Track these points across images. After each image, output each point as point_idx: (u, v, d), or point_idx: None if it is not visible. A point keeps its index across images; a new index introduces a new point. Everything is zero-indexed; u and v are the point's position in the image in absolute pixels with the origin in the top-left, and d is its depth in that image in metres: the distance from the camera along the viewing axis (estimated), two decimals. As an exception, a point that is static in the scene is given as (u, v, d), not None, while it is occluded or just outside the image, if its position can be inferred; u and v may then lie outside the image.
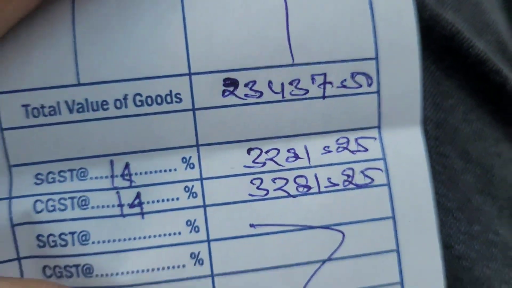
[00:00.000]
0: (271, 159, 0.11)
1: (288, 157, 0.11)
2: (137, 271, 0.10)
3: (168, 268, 0.10)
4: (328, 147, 0.11)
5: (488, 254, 0.14)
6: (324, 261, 0.11)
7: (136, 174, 0.10)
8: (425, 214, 0.11)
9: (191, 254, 0.10)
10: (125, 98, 0.10)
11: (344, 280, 0.11)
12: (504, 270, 0.14)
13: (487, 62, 0.15)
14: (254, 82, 0.11)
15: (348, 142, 0.11)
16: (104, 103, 0.10)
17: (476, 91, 0.15)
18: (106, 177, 0.10)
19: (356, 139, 0.11)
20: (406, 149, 0.11)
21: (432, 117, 0.14)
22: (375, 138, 0.11)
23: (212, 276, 0.10)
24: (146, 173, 0.10)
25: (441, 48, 0.14)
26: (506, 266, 0.14)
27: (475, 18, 0.16)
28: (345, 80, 0.11)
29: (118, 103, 0.10)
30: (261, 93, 0.10)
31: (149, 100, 0.10)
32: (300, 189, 0.11)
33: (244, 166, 0.11)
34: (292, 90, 0.11)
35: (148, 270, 0.10)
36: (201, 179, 0.11)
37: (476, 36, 0.16)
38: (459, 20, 0.15)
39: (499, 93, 0.15)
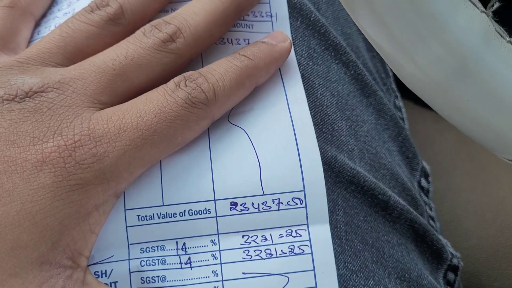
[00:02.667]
0: (253, 240, 0.22)
1: (261, 239, 0.22)
2: None
3: None
4: (282, 234, 0.22)
5: (379, 298, 0.24)
6: None
7: (188, 247, 0.20)
8: (330, 272, 0.21)
9: (213, 287, 0.21)
10: (184, 211, 0.21)
11: None
12: None
13: (376, 188, 0.26)
14: (245, 203, 0.21)
15: (291, 231, 0.22)
16: (174, 214, 0.21)
17: (372, 205, 0.26)
18: (174, 249, 0.21)
19: (296, 230, 0.22)
20: (321, 236, 0.22)
21: (343, 219, 0.24)
22: (305, 230, 0.22)
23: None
24: (194, 247, 0.21)
25: (348, 181, 0.25)
26: None
27: (374, 161, 0.27)
28: (289, 201, 0.22)
29: (180, 214, 0.21)
30: (248, 208, 0.22)
31: (195, 212, 0.21)
32: (268, 255, 0.21)
33: (240, 244, 0.21)
34: (264, 207, 0.22)
35: None
36: (219, 250, 0.21)
37: (373, 171, 0.27)
38: (362, 163, 0.26)
39: (386, 205, 0.26)
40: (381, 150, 0.28)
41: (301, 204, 0.21)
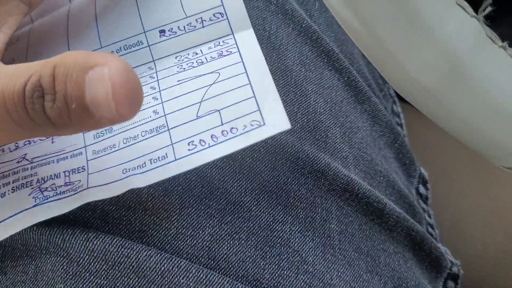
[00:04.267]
0: (185, 57, 0.23)
1: (193, 55, 0.22)
2: None
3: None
4: (210, 47, 0.23)
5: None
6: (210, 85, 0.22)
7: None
8: (258, 61, 0.22)
9: (153, 97, 0.22)
10: (120, 48, 0.23)
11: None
12: None
13: (371, 196, 0.25)
14: (172, 28, 0.23)
15: (219, 42, 0.23)
16: (111, 52, 0.23)
17: (368, 213, 0.25)
18: None
19: (223, 40, 0.22)
20: (246, 38, 0.22)
21: (337, 228, 0.24)
22: (231, 38, 0.22)
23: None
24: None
25: (342, 189, 0.25)
26: None
27: (369, 168, 0.27)
28: (211, 17, 0.23)
29: (117, 50, 0.23)
30: (175, 32, 0.23)
31: (129, 46, 0.23)
32: (199, 63, 0.22)
33: (174, 62, 0.22)
34: (189, 27, 0.23)
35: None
36: (156, 71, 0.22)
37: (368, 179, 0.26)
38: (357, 170, 0.26)
39: (381, 213, 0.26)
40: (376, 157, 0.27)
41: (222, 17, 0.23)
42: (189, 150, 0.21)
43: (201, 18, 0.23)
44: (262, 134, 0.21)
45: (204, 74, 0.22)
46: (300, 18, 0.25)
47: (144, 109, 0.22)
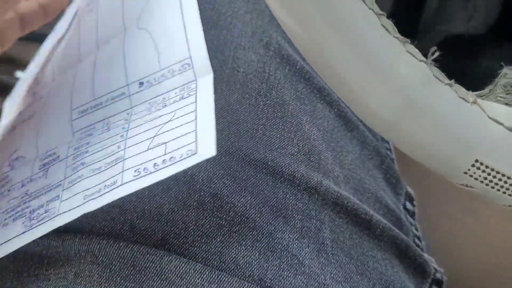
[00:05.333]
0: (155, 102, 0.26)
1: (162, 100, 0.26)
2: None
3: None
4: (176, 92, 0.25)
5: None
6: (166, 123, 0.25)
7: (110, 122, 0.26)
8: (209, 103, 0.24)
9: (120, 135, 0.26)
10: (107, 99, 0.27)
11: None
12: None
13: (359, 208, 0.29)
14: (148, 80, 0.27)
15: (184, 87, 0.25)
16: (101, 103, 0.27)
17: (357, 224, 0.29)
18: (100, 127, 0.27)
19: (187, 85, 0.25)
20: (205, 82, 0.25)
21: (329, 236, 0.28)
22: (194, 83, 0.25)
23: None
24: (114, 121, 0.26)
25: (333, 203, 0.29)
26: None
27: (358, 186, 0.31)
28: (180, 68, 0.26)
29: (106, 101, 0.27)
30: (151, 83, 0.26)
31: (116, 97, 0.27)
32: (164, 105, 0.25)
33: (145, 108, 0.26)
34: (162, 78, 0.27)
35: None
36: (131, 114, 0.26)
37: (358, 195, 0.30)
38: (347, 188, 0.30)
39: (369, 224, 0.30)
40: (365, 176, 0.31)
41: (189, 67, 0.26)
42: (133, 176, 0.24)
43: (172, 69, 0.26)
44: (193, 161, 0.24)
45: (164, 115, 0.25)
46: (294, 61, 0.30)
47: (111, 145, 0.25)
